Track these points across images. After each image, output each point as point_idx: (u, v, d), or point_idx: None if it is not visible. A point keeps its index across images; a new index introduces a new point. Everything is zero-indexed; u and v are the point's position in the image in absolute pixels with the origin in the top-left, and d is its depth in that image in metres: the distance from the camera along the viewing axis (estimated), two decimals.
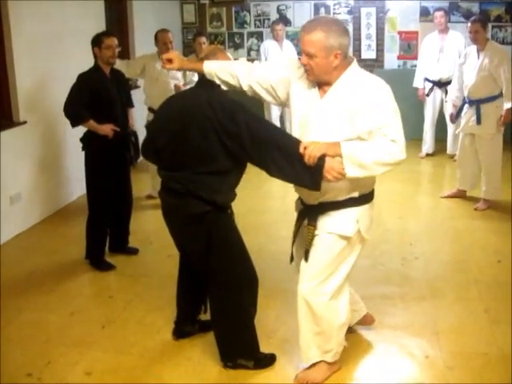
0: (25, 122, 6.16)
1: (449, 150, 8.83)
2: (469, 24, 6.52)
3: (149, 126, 3.84)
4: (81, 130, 5.22)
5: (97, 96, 5.05)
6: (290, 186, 3.51)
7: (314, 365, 3.67)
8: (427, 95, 8.73)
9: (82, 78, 5.09)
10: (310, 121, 3.31)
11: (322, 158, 3.08)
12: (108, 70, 5.18)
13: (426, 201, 7.32)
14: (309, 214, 3.42)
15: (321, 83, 3.29)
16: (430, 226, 6.29)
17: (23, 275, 5.19)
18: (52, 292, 4.86)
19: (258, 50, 10.20)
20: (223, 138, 3.29)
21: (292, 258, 3.65)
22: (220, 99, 3.41)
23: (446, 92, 8.49)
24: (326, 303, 3.50)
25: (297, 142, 3.18)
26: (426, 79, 8.72)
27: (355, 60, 3.30)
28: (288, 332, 4.13)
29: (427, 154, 9.03)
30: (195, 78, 6.74)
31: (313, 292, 3.48)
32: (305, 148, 3.10)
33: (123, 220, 5.53)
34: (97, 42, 5.11)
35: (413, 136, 9.35)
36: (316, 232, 3.42)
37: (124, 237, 5.59)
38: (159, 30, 6.84)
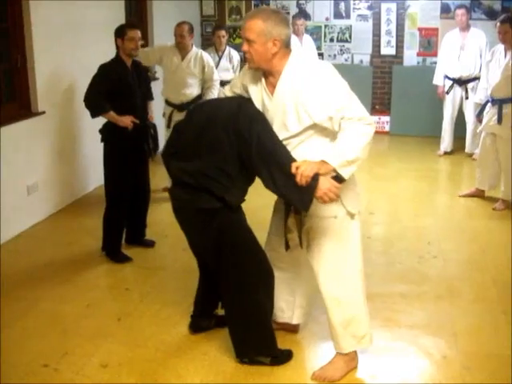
0: (43, 112, 6.15)
1: (467, 149, 8.77)
2: (497, 24, 6.48)
3: (177, 124, 3.83)
4: (99, 120, 5.21)
5: (117, 87, 5.04)
6: None
7: (331, 362, 3.67)
8: (447, 93, 8.66)
9: (104, 68, 5.08)
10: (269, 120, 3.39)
11: (315, 179, 3.12)
12: (130, 61, 5.16)
13: (444, 199, 7.26)
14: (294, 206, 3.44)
15: (265, 74, 3.37)
16: (447, 225, 6.24)
17: (40, 265, 5.19)
18: (68, 283, 4.86)
19: None
20: (237, 140, 3.31)
21: (287, 246, 3.62)
22: (248, 105, 3.42)
23: (466, 90, 8.49)
24: (349, 288, 3.53)
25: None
26: (446, 77, 8.65)
27: (293, 51, 3.35)
28: (305, 328, 4.12)
29: (445, 152, 8.95)
30: (215, 75, 6.76)
31: (332, 282, 3.51)
32: (297, 168, 3.12)
33: (140, 212, 5.52)
34: (120, 33, 5.09)
35: (431, 133, 9.41)
36: (306, 220, 3.48)
37: (141, 229, 5.58)
38: (177, 23, 6.79)
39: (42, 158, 6.25)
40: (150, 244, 5.57)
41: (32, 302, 4.55)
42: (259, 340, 3.71)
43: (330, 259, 3.50)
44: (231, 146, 3.31)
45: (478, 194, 6.97)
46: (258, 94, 3.43)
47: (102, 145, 5.25)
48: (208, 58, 6.82)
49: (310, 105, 3.21)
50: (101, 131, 5.21)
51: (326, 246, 3.49)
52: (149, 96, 5.60)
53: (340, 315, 3.56)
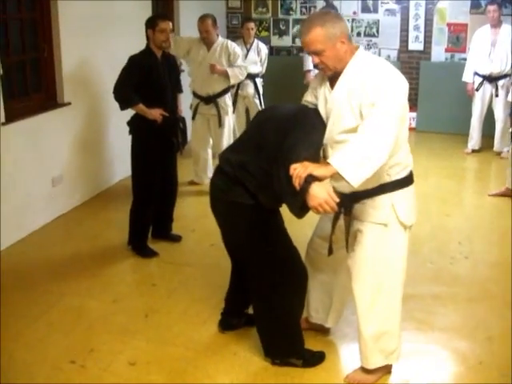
0: (69, 103, 6.09)
1: (496, 147, 8.60)
2: None
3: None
4: (125, 112, 5.11)
5: (147, 79, 4.94)
6: None
7: None
8: (477, 90, 8.49)
9: (134, 60, 4.99)
10: (325, 117, 3.28)
11: (307, 181, 2.86)
12: (160, 53, 5.06)
13: (473, 198, 7.11)
14: (344, 204, 3.24)
15: (336, 75, 3.23)
16: (478, 225, 6.10)
17: (65, 259, 5.14)
18: (94, 277, 4.79)
19: None
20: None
21: (331, 251, 3.47)
22: (309, 113, 3.32)
23: (497, 87, 8.34)
24: (385, 302, 3.39)
25: None
26: (476, 73, 8.48)
27: (361, 46, 3.23)
28: (336, 328, 4.01)
29: (473, 150, 8.78)
30: (241, 62, 6.65)
31: (369, 292, 3.37)
32: (294, 169, 2.91)
33: (167, 206, 5.43)
34: (151, 24, 4.99)
35: (458, 131, 9.26)
36: (355, 224, 3.33)
37: (167, 223, 5.49)
38: (199, 18, 6.66)
39: (67, 149, 6.19)
40: (177, 239, 5.48)
41: (57, 296, 4.48)
42: (288, 342, 3.63)
43: (371, 268, 3.34)
44: (277, 148, 3.16)
45: (509, 194, 6.82)
46: (322, 92, 3.31)
47: (127, 136, 5.17)
48: (234, 46, 6.71)
49: (358, 97, 3.06)
50: (129, 123, 5.12)
51: (369, 254, 3.33)
52: (178, 88, 5.50)
53: (371, 328, 3.42)
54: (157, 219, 5.37)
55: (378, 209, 3.25)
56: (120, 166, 6.85)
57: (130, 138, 5.20)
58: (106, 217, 6.14)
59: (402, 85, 3.08)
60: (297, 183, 2.87)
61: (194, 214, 6.15)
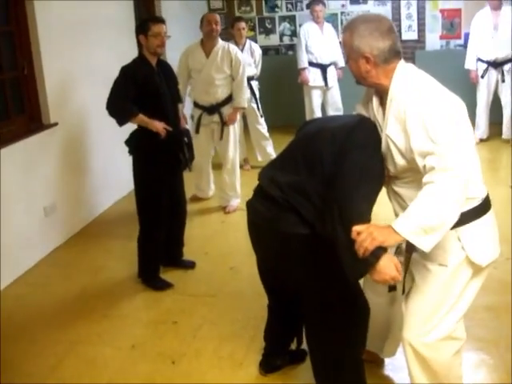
0: (56, 124, 5.54)
1: (504, 135, 8.26)
2: None
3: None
4: (116, 129, 4.61)
5: (144, 91, 4.43)
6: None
7: None
8: (482, 77, 8.11)
9: (127, 71, 4.47)
10: None
11: (375, 255, 2.49)
12: (155, 60, 4.56)
13: (495, 191, 6.55)
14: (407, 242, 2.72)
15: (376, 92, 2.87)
16: (508, 221, 5.63)
17: (68, 299, 4.59)
18: (105, 319, 4.25)
19: (291, 36, 9.69)
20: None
21: (403, 290, 2.98)
22: (370, 123, 2.84)
23: (502, 72, 7.99)
24: (435, 346, 2.86)
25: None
26: (479, 60, 8.11)
27: (400, 64, 2.75)
28: (390, 360, 3.54)
29: (481, 140, 8.38)
30: (242, 70, 6.15)
31: (417, 336, 2.86)
32: (358, 233, 2.48)
33: (177, 230, 4.90)
34: (143, 28, 4.48)
35: None
36: (417, 263, 2.88)
37: (178, 249, 4.97)
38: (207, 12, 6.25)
39: (58, 174, 5.64)
40: (190, 265, 4.95)
41: (66, 345, 3.94)
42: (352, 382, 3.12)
43: (426, 313, 2.84)
44: (333, 164, 2.69)
45: None
46: (371, 109, 2.89)
47: (119, 155, 4.81)
48: (237, 50, 6.18)
49: (396, 136, 2.65)
50: (127, 142, 4.61)
51: (425, 297, 2.84)
52: (178, 98, 4.96)
53: (422, 370, 2.93)
54: (166, 245, 4.82)
55: (440, 249, 2.73)
56: (113, 187, 6.42)
57: (123, 156, 4.72)
58: (106, 245, 5.60)
59: (455, 108, 2.68)
60: (361, 252, 2.47)
61: (204, 234, 5.61)
